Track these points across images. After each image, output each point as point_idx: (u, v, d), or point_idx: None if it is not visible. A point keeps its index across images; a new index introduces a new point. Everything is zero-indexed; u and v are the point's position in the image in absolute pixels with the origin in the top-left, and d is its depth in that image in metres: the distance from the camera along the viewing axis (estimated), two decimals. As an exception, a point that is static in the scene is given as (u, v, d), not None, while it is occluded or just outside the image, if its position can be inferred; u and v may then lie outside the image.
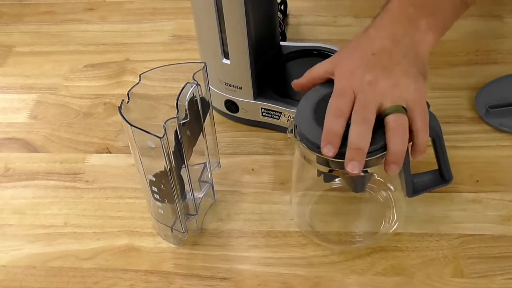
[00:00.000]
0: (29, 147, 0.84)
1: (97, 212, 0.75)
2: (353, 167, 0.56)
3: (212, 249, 0.70)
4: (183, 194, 0.67)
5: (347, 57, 0.64)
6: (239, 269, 0.68)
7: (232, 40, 0.74)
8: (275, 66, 0.83)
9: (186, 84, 0.63)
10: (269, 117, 0.81)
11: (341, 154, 0.57)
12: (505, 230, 0.69)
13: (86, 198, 0.77)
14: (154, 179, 0.64)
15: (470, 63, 0.90)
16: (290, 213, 0.73)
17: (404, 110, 0.59)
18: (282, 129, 0.81)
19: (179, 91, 0.62)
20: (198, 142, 0.68)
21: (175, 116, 0.60)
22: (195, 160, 0.70)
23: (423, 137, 0.60)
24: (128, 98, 0.63)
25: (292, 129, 0.62)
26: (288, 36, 0.97)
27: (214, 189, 0.74)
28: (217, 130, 0.72)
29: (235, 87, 0.79)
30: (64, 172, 0.80)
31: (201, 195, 0.72)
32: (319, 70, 0.65)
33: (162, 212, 0.68)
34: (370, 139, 0.57)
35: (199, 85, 0.64)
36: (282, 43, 0.86)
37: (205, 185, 0.73)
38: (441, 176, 0.69)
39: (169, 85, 0.67)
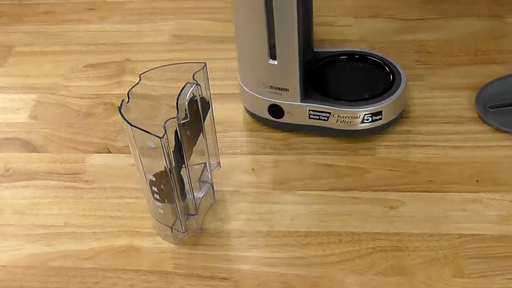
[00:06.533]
0: (29, 147, 0.84)
1: (97, 212, 0.75)
2: None
3: (212, 249, 0.70)
4: (183, 194, 0.67)
5: None
6: (239, 269, 0.68)
7: (281, 38, 0.71)
8: (314, 70, 0.82)
9: (186, 84, 0.63)
10: (317, 119, 0.78)
11: None
12: (505, 230, 0.69)
13: (86, 198, 0.77)
14: (154, 179, 0.64)
15: (470, 63, 0.90)
16: (290, 212, 0.73)
17: None
18: (332, 132, 0.79)
19: (179, 91, 0.62)
20: (198, 142, 0.68)
21: (175, 116, 0.60)
22: (195, 160, 0.70)
23: None
24: (128, 98, 0.63)
25: None
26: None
27: (214, 189, 0.74)
28: (217, 130, 0.72)
29: (281, 89, 0.76)
30: (64, 172, 0.80)
31: (201, 195, 0.72)
32: None
33: (162, 212, 0.68)
34: None
35: (199, 85, 0.64)
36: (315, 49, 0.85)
37: (205, 185, 0.73)
38: None
39: (169, 85, 0.67)
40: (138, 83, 0.65)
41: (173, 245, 0.71)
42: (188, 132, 0.65)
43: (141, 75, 0.65)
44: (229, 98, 0.88)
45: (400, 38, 0.97)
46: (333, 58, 0.84)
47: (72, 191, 0.78)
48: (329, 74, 0.83)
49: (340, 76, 0.83)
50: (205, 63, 0.65)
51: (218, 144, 0.74)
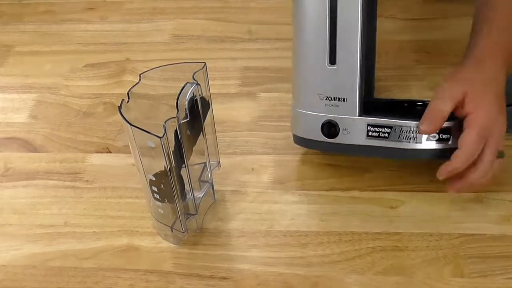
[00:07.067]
0: (29, 146, 0.84)
1: (97, 212, 0.75)
2: None
3: (212, 248, 0.70)
4: (183, 194, 0.67)
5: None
6: (239, 268, 0.68)
7: (343, 38, 0.67)
8: (374, 108, 0.74)
9: (186, 83, 0.63)
10: (376, 136, 0.71)
11: None
12: (505, 230, 0.69)
13: (86, 198, 0.77)
14: (154, 178, 0.64)
15: (470, 63, 0.90)
16: (290, 212, 0.73)
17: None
18: (391, 154, 0.71)
19: (179, 91, 0.62)
20: (198, 142, 0.68)
21: (175, 115, 0.60)
22: (195, 160, 0.70)
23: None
24: (128, 98, 0.63)
25: None
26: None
27: (214, 188, 0.74)
28: (217, 130, 0.72)
29: (338, 99, 0.70)
30: (64, 171, 0.80)
31: (201, 195, 0.72)
32: (446, 107, 0.67)
33: (162, 211, 0.68)
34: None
35: (199, 84, 0.64)
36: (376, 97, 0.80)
37: (205, 185, 0.73)
38: None
39: (169, 85, 0.67)
40: (138, 82, 0.65)
41: (173, 245, 0.71)
42: (188, 132, 0.65)
43: (141, 75, 0.65)
44: (229, 98, 0.88)
45: (400, 38, 0.97)
46: (395, 103, 0.79)
47: (72, 190, 0.78)
48: (390, 109, 0.76)
49: (402, 109, 0.77)
50: (205, 63, 0.65)
51: (218, 144, 0.74)
